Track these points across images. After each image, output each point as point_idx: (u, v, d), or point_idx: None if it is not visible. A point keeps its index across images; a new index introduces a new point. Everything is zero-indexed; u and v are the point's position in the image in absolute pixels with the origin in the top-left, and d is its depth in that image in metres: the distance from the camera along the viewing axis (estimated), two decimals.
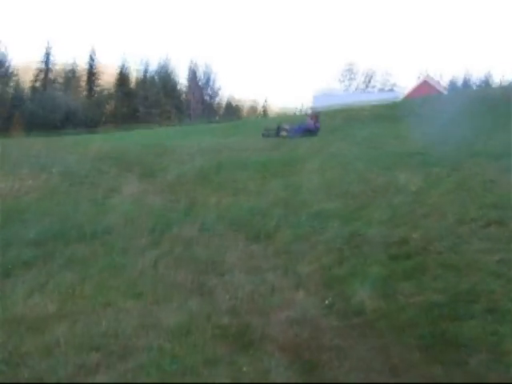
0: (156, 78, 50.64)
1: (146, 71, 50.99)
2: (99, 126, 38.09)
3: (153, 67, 51.46)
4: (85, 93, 49.99)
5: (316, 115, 14.12)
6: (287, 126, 13.82)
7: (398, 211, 6.40)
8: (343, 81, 57.57)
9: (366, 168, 8.46)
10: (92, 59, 50.41)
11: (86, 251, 5.57)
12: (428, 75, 40.01)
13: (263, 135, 13.45)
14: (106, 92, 49.93)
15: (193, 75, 50.72)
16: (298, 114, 37.44)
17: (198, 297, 4.48)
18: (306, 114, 13.72)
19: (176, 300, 4.39)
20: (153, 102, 45.96)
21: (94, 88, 50.36)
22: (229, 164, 9.36)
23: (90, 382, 3.23)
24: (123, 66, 49.87)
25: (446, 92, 35.95)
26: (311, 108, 14.51)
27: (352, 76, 57.34)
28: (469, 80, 52.06)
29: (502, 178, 7.13)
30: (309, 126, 13.49)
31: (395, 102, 20.49)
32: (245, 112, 59.00)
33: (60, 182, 8.86)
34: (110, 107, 48.21)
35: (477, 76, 54.40)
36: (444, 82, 44.27)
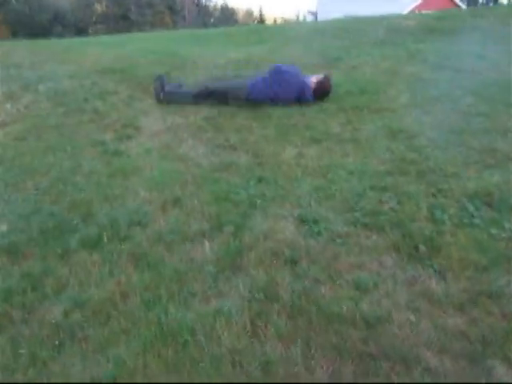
0: None
1: None
2: (89, 28, 33.84)
3: None
4: None
5: (327, 78, 6.17)
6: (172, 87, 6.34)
7: None
8: None
9: (488, 109, 5.24)
10: None
11: (104, 282, 2.74)
12: None
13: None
14: None
15: None
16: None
17: None
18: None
19: None
20: (146, 2, 41.12)
21: None
22: None
23: None
24: None
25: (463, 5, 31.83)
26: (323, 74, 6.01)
27: None
28: None
29: None
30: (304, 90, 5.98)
31: (428, 13, 16.74)
32: (240, 17, 54.30)
33: (50, 107, 5.57)
34: (100, 8, 43.27)
35: None
36: None
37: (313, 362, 2.12)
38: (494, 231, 3.12)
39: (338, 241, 2.99)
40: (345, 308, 2.42)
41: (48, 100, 5.87)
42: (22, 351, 2.18)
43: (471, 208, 3.37)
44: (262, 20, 52.84)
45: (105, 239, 2.92)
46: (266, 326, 2.29)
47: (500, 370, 2.14)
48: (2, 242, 2.97)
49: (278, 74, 5.82)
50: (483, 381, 2.10)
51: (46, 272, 2.69)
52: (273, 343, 2.20)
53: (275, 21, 53.08)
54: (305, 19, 41.68)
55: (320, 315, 2.38)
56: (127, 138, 4.73)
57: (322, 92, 5.92)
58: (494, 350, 2.23)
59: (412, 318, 2.41)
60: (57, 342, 2.19)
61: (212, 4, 51.79)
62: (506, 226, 3.17)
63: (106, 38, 14.30)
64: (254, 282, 2.58)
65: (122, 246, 2.88)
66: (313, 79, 5.91)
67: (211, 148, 4.47)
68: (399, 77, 6.97)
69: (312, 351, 2.17)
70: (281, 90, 5.75)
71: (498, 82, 6.56)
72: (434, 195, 3.55)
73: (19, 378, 2.12)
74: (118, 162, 4.13)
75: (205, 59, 8.28)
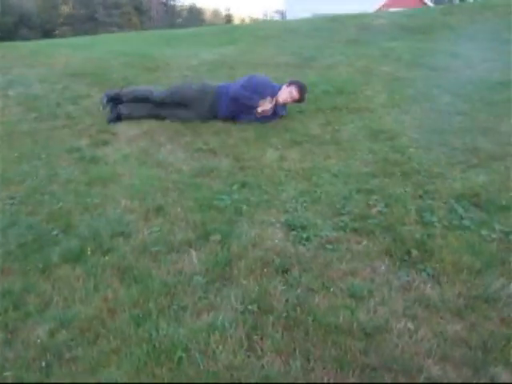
0: None
1: None
2: (56, 30, 33.30)
3: None
4: None
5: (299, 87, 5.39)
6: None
7: None
8: None
9: (467, 107, 5.27)
10: None
11: (90, 298, 2.61)
12: None
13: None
14: None
15: None
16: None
17: None
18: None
19: None
20: (112, 2, 40.65)
21: None
22: None
23: None
24: None
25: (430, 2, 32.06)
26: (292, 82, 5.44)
27: None
28: None
29: None
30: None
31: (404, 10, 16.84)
32: (208, 17, 54.07)
33: (21, 113, 5.39)
34: (67, 9, 42.61)
35: None
36: None
37: (313, 375, 2.03)
38: (484, 233, 3.09)
39: (329, 247, 2.92)
40: (341, 318, 2.35)
41: (19, 105, 5.69)
42: (6, 374, 2.04)
43: (460, 209, 3.35)
44: (229, 20, 52.66)
45: (88, 252, 2.80)
46: (261, 340, 2.21)
47: (503, 377, 2.09)
48: None
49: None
50: None
51: (27, 289, 2.56)
52: (270, 357, 2.12)
53: (243, 21, 53.04)
54: (272, 19, 41.67)
55: (316, 326, 2.30)
56: (103, 144, 4.60)
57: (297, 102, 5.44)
58: (496, 356, 2.18)
59: (410, 325, 2.35)
60: (44, 364, 2.07)
61: (179, 4, 51.38)
62: (496, 227, 3.15)
63: (74, 40, 14.05)
64: (246, 293, 2.50)
65: (106, 259, 2.76)
66: (286, 97, 5.34)
67: (190, 152, 4.38)
68: (375, 76, 6.96)
69: (311, 364, 2.09)
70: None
71: (473, 79, 6.60)
72: (421, 197, 3.51)
73: None
74: (95, 169, 4.01)
75: (177, 61, 8.18)
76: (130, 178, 3.84)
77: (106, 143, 4.62)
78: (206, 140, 4.63)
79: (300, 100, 5.33)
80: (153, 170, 3.98)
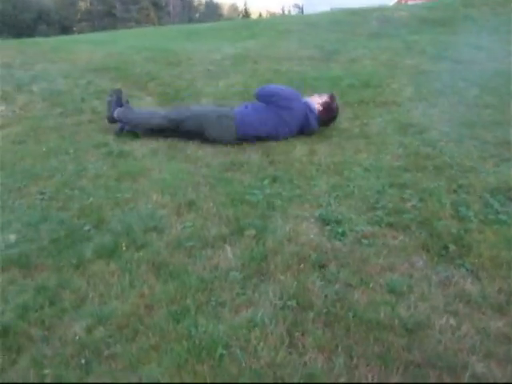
0: None
1: None
2: (74, 26, 33.52)
3: None
4: None
5: (332, 98, 4.88)
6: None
7: None
8: None
9: (495, 100, 5.18)
10: None
11: (126, 294, 2.57)
12: None
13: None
14: None
15: None
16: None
17: None
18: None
19: None
20: None
21: None
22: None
23: None
24: None
25: None
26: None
27: None
28: None
29: None
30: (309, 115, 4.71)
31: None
32: (225, 11, 54.04)
33: (46, 108, 5.40)
34: (84, 5, 42.83)
35: None
36: None
37: (357, 372, 1.99)
38: None
39: (365, 242, 2.87)
40: (382, 314, 2.31)
41: (44, 100, 5.70)
42: (46, 372, 2.02)
43: (495, 204, 3.28)
44: (247, 14, 52.52)
45: (122, 247, 2.77)
46: (303, 336, 2.17)
47: None
48: (11, 252, 2.81)
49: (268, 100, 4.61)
50: None
51: (62, 285, 2.54)
52: (313, 354, 2.08)
53: (261, 15, 52.93)
54: (290, 13, 41.52)
55: (357, 322, 2.26)
56: (130, 139, 4.58)
57: (328, 117, 4.80)
58: None
59: (452, 321, 2.30)
60: (83, 361, 2.04)
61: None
62: None
63: (93, 36, 14.08)
64: (284, 289, 2.46)
65: (141, 254, 2.74)
66: (316, 100, 4.73)
67: (219, 147, 4.34)
68: (400, 69, 6.88)
69: (354, 361, 2.05)
70: (281, 122, 4.55)
71: (500, 72, 6.50)
72: (455, 191, 3.45)
73: None
74: (124, 163, 3.99)
75: (199, 55, 8.14)
76: (159, 172, 3.82)
77: (133, 138, 4.60)
78: None
79: (331, 105, 4.84)
80: (182, 165, 3.95)
